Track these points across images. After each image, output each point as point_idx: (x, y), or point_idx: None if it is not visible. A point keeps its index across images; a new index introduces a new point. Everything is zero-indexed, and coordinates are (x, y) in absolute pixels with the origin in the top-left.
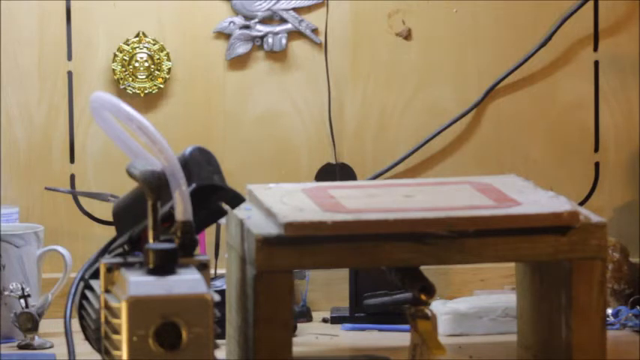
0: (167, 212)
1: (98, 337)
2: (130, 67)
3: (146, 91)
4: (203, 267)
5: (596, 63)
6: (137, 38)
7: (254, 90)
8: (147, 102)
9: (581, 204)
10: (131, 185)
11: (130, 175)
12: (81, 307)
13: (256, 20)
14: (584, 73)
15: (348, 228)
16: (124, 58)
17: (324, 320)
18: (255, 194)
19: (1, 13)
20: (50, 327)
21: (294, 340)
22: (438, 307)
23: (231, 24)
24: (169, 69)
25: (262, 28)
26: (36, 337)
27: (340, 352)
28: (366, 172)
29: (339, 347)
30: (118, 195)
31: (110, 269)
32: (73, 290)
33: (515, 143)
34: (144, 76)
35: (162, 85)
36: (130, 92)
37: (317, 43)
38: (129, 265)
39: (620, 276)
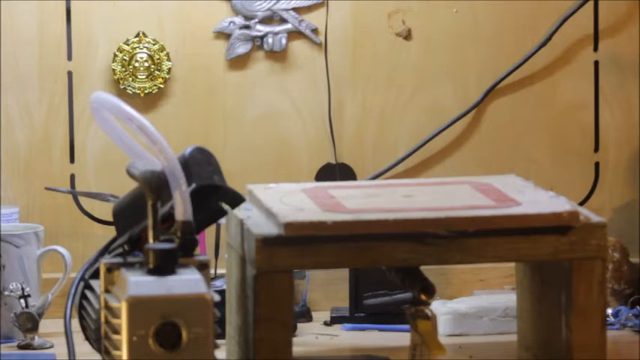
0: (167, 212)
1: (98, 337)
2: (130, 67)
3: (146, 91)
4: (203, 267)
5: (596, 63)
6: (137, 38)
7: (254, 90)
8: (147, 102)
9: (581, 204)
10: (131, 185)
11: (130, 175)
12: (81, 307)
13: (256, 20)
14: (584, 73)
15: (348, 228)
16: (124, 58)
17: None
18: (255, 194)
19: (1, 13)
20: (50, 327)
21: (294, 340)
22: (438, 307)
23: (231, 24)
24: (169, 69)
25: (262, 28)
26: (36, 337)
27: (340, 352)
28: (366, 172)
29: (339, 347)
30: (118, 195)
31: (110, 269)
32: (73, 290)
33: (515, 143)
34: (144, 76)
35: (162, 85)
36: (130, 92)
37: (317, 43)
38: (129, 265)
39: (620, 276)
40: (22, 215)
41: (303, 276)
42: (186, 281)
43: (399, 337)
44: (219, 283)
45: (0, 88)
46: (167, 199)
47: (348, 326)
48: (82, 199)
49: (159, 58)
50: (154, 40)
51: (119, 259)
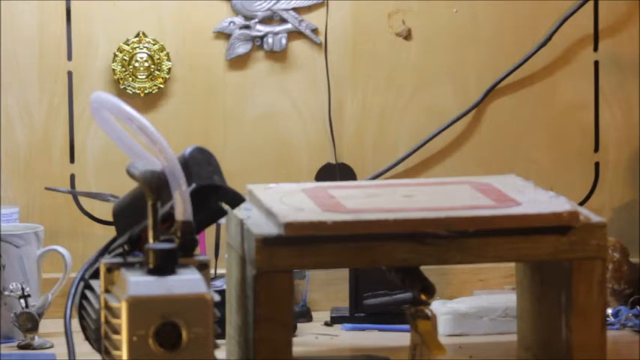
0: (167, 212)
1: (98, 337)
2: (130, 67)
3: (146, 91)
4: (203, 267)
5: (596, 63)
6: (137, 38)
7: (254, 90)
8: (147, 102)
9: (581, 204)
10: (131, 185)
11: (130, 175)
12: (81, 307)
13: (256, 20)
14: (584, 73)
15: (348, 228)
16: (124, 58)
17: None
18: (255, 194)
19: (1, 13)
20: (50, 327)
21: (294, 340)
22: (438, 307)
23: (231, 24)
24: (169, 69)
25: (262, 28)
26: (36, 337)
27: (340, 352)
28: (366, 172)
29: (339, 347)
30: (118, 195)
31: (110, 269)
32: (73, 290)
33: (515, 143)
34: (144, 76)
35: (162, 85)
36: (130, 92)
37: (317, 43)
38: (129, 265)
39: (620, 276)
40: (22, 215)
41: (303, 276)
42: (186, 281)
43: (399, 337)
44: (219, 283)
45: (0, 88)
46: (167, 199)
47: (348, 326)
48: (82, 199)
49: (159, 58)
50: (154, 40)
51: (119, 259)
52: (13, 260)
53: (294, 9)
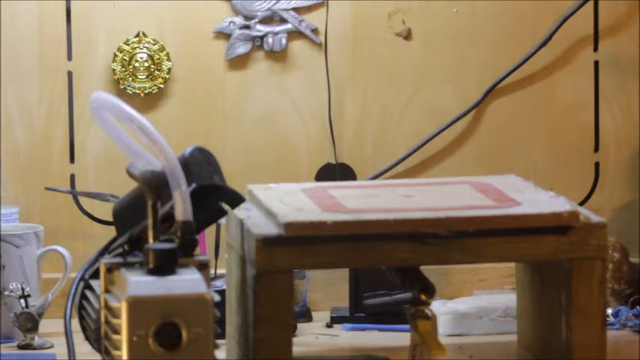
0: (167, 212)
1: (98, 337)
2: (130, 67)
3: (146, 91)
4: (203, 267)
5: (596, 63)
6: (137, 38)
7: (254, 90)
8: (147, 102)
9: (581, 204)
10: (131, 185)
11: (130, 175)
12: (81, 307)
13: (256, 20)
14: (584, 73)
15: (348, 228)
16: (124, 58)
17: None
18: (255, 194)
19: (1, 13)
20: (50, 327)
21: (294, 340)
22: (438, 307)
23: (231, 24)
24: (169, 69)
25: (262, 28)
26: (36, 337)
27: (340, 352)
28: (366, 172)
29: (339, 347)
30: (118, 195)
31: (110, 269)
32: (73, 290)
33: (515, 143)
34: (144, 76)
35: (162, 85)
36: (130, 92)
37: (317, 43)
38: (129, 265)
39: (620, 276)
40: (22, 215)
41: (303, 276)
42: (186, 281)
43: (399, 337)
44: (219, 283)
45: (0, 88)
46: (167, 199)
47: (348, 326)
48: (82, 199)
49: (159, 58)
50: (154, 40)
51: (119, 259)
52: (13, 260)
53: (294, 9)
